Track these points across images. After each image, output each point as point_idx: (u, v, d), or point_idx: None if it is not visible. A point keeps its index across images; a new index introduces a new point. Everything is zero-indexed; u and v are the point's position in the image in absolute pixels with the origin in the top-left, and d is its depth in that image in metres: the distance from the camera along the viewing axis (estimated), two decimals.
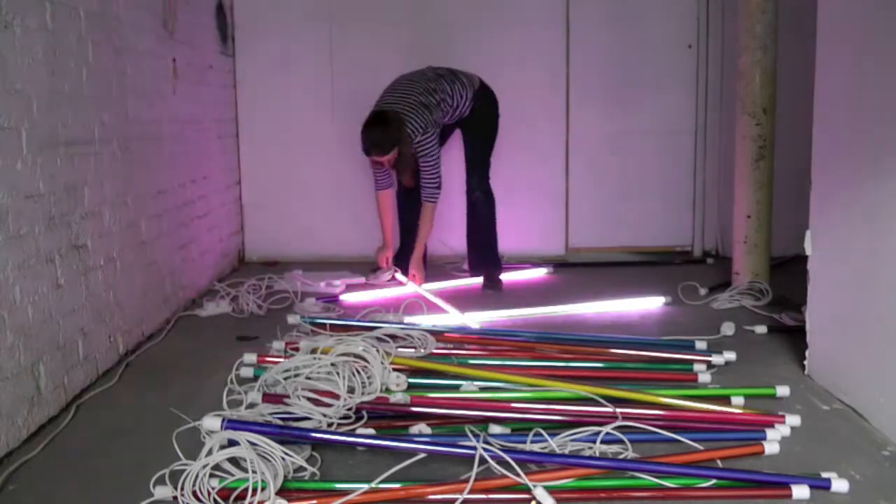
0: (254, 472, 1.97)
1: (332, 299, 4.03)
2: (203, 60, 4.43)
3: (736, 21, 4.16)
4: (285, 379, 2.58)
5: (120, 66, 3.21)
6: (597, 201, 5.20)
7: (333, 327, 3.22)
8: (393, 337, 3.06)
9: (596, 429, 2.29)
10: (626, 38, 5.06)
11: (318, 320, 3.31)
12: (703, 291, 4.09)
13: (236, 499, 1.97)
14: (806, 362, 2.93)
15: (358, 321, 3.29)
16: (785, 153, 4.22)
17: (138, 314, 3.34)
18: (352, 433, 2.26)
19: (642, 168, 5.18)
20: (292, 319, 3.40)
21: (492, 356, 3.02)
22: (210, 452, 2.04)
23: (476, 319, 3.58)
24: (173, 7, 3.87)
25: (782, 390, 2.65)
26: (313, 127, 5.11)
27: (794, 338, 3.26)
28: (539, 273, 4.69)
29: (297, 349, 2.87)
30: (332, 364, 2.58)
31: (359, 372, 2.56)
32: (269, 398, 2.50)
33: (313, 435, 2.21)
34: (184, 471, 2.01)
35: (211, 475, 2.00)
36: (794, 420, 2.43)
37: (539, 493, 1.94)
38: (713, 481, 2.07)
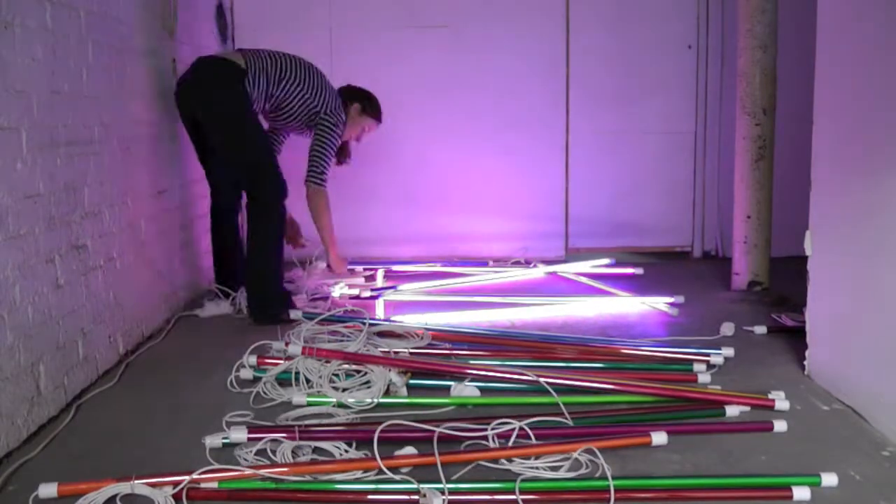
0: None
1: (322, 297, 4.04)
2: None
3: (736, 21, 4.16)
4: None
5: (120, 66, 3.21)
6: (597, 202, 5.19)
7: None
8: (390, 334, 3.07)
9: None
10: (626, 38, 5.06)
11: (319, 317, 3.30)
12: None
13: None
14: (806, 362, 2.93)
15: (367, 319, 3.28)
16: (785, 153, 4.22)
17: (138, 314, 3.34)
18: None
19: (642, 168, 5.18)
20: (294, 315, 3.39)
21: (492, 356, 3.01)
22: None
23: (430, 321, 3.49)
24: (173, 7, 3.87)
25: (781, 404, 2.57)
26: None
27: (794, 338, 3.25)
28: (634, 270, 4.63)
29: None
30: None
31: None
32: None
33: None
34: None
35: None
36: (782, 404, 2.54)
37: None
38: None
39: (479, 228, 5.14)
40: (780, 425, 2.40)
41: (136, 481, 2.00)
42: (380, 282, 4.35)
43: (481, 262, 4.88)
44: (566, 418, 2.44)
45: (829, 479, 2.04)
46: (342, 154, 4.20)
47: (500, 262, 4.94)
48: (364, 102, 4.11)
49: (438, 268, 4.67)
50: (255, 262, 3.64)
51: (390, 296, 4.04)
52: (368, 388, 2.67)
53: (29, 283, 2.45)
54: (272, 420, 2.49)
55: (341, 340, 2.91)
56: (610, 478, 2.02)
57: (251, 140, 3.66)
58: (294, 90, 3.78)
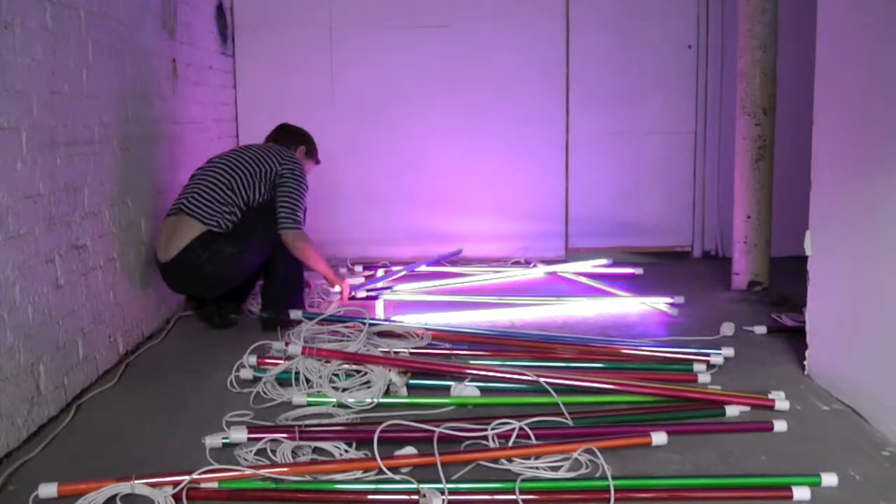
0: None
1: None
2: (203, 60, 4.43)
3: (736, 21, 4.16)
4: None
5: (120, 66, 3.21)
6: (597, 202, 5.19)
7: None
8: (390, 334, 3.08)
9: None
10: (626, 38, 5.06)
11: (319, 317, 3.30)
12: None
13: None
14: (806, 363, 2.93)
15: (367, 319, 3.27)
16: (785, 153, 4.22)
17: (138, 314, 3.34)
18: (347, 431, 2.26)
19: (642, 168, 5.18)
20: (294, 315, 3.39)
21: (492, 356, 3.01)
22: None
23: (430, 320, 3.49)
24: (173, 7, 3.87)
25: (781, 404, 2.56)
26: (313, 127, 5.04)
27: (794, 338, 3.25)
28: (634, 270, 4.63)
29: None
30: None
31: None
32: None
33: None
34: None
35: None
36: (782, 404, 2.54)
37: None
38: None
39: (479, 228, 5.14)
40: (780, 425, 2.40)
41: (136, 481, 2.00)
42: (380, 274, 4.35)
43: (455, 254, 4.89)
44: (566, 418, 2.44)
45: (829, 479, 2.04)
46: None
47: (500, 262, 4.94)
48: (307, 145, 3.91)
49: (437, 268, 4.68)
50: (287, 268, 3.56)
51: (389, 296, 4.04)
52: (368, 388, 2.67)
53: (29, 283, 2.45)
54: (272, 420, 2.49)
55: (341, 340, 2.91)
56: (610, 478, 2.03)
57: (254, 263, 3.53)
58: (249, 185, 3.51)
